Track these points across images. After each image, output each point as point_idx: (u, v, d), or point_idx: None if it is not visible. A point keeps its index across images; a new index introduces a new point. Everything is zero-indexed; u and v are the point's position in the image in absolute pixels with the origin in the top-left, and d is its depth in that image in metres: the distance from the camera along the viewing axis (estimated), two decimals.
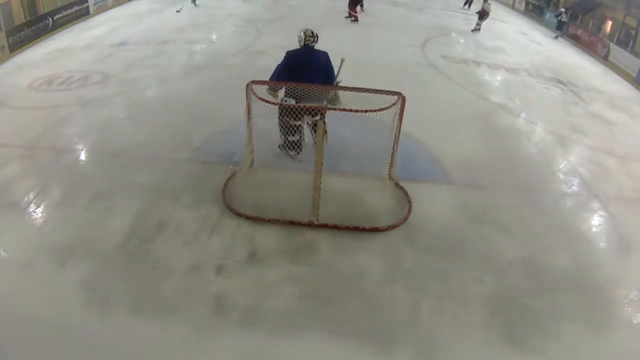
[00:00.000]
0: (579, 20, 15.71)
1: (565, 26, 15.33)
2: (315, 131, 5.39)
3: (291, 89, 4.95)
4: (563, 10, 15.56)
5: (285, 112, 5.10)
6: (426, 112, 7.06)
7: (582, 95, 9.67)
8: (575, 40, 15.12)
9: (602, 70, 12.38)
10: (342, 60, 5.51)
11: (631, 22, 13.53)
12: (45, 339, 3.34)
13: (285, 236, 4.47)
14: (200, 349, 3.38)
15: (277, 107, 4.94)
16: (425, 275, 4.16)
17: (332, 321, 3.64)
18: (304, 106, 4.82)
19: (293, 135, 5.44)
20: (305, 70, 5.12)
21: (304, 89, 4.84)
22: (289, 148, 5.55)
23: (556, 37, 15.34)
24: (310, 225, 4.57)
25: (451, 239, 4.63)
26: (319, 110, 4.40)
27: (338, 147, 5.67)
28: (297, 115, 5.05)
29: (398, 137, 4.84)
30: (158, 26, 12.09)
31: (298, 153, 5.59)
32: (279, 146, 5.64)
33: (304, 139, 5.52)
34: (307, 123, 5.50)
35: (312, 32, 5.23)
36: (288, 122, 5.25)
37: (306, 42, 5.22)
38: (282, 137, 5.52)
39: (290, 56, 5.25)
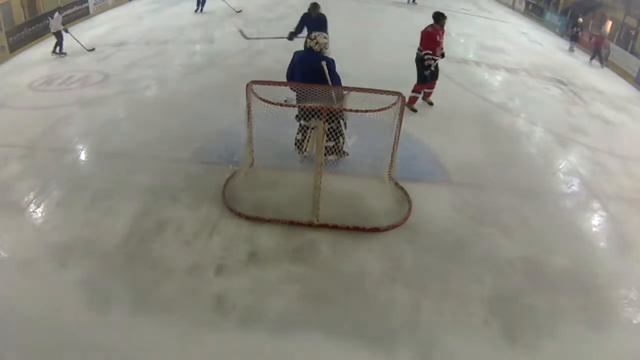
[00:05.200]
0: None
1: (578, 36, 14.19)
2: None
3: (294, 88, 4.99)
4: (581, 20, 14.29)
5: (299, 110, 5.16)
6: (426, 112, 7.07)
7: (582, 95, 9.67)
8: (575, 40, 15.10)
9: (602, 70, 12.38)
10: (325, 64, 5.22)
11: (631, 22, 13.53)
12: (45, 339, 3.34)
13: (285, 236, 4.48)
14: (200, 349, 3.38)
15: (278, 107, 4.95)
16: (425, 275, 4.16)
17: (332, 321, 3.64)
18: (303, 106, 4.83)
19: (298, 133, 5.51)
20: (297, 71, 5.13)
21: (305, 90, 4.84)
22: (295, 144, 5.60)
23: (571, 49, 14.00)
24: (310, 225, 4.58)
25: (451, 239, 4.63)
26: (330, 115, 4.43)
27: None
28: (305, 116, 5.09)
29: (398, 137, 4.84)
30: (158, 26, 12.09)
31: (299, 153, 5.59)
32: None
33: (307, 141, 5.45)
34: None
35: (310, 35, 5.22)
36: (298, 120, 5.32)
37: (306, 45, 5.24)
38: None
39: (293, 57, 5.30)
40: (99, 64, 9.12)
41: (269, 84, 4.67)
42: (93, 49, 10.08)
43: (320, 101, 4.68)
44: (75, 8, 12.49)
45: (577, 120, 8.12)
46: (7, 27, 9.79)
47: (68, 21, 12.03)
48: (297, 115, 5.30)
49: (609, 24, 14.75)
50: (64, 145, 6.02)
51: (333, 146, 5.32)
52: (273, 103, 4.43)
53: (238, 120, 5.48)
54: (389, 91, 4.57)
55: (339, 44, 7.95)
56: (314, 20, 7.59)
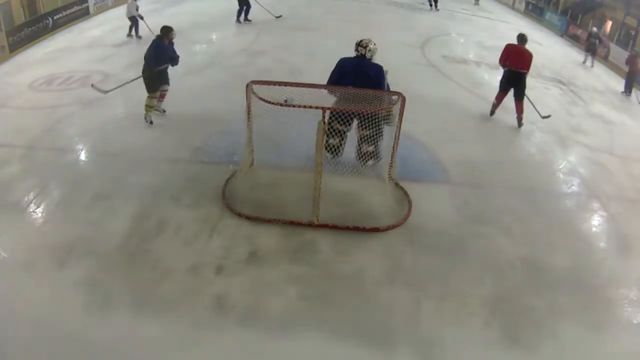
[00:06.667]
0: (579, 20, 15.70)
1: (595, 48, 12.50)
2: (360, 150, 5.36)
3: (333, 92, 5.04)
4: (595, 30, 12.74)
5: (331, 115, 5.01)
6: (426, 112, 7.07)
7: (582, 95, 9.67)
8: (575, 40, 15.11)
9: (602, 70, 12.37)
10: (386, 72, 5.36)
11: (631, 22, 13.53)
12: (45, 339, 3.35)
13: (285, 236, 4.48)
14: (200, 349, 3.38)
15: (277, 107, 4.94)
16: (425, 275, 4.16)
17: (332, 321, 3.64)
18: (303, 106, 4.80)
19: (333, 138, 5.31)
20: (347, 78, 5.09)
21: (351, 93, 4.78)
22: (327, 150, 5.38)
23: (588, 62, 12.59)
24: (310, 225, 4.58)
25: (451, 238, 4.63)
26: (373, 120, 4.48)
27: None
28: (342, 120, 4.97)
29: (398, 137, 4.84)
30: (158, 26, 12.04)
31: (334, 156, 5.48)
32: None
33: (344, 145, 5.45)
34: (358, 139, 5.36)
35: (362, 42, 5.20)
36: (331, 125, 5.12)
37: (355, 51, 5.23)
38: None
39: (338, 63, 5.30)
40: (99, 64, 9.11)
41: (269, 84, 4.67)
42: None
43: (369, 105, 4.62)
44: (75, 8, 12.48)
45: (577, 120, 8.12)
46: (7, 27, 9.78)
47: (68, 21, 12.06)
48: (329, 119, 5.19)
49: (609, 24, 14.76)
50: (64, 145, 6.02)
51: (372, 151, 5.32)
52: (273, 103, 4.43)
53: (238, 120, 5.48)
54: (389, 91, 4.57)
55: (339, 44, 7.92)
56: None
